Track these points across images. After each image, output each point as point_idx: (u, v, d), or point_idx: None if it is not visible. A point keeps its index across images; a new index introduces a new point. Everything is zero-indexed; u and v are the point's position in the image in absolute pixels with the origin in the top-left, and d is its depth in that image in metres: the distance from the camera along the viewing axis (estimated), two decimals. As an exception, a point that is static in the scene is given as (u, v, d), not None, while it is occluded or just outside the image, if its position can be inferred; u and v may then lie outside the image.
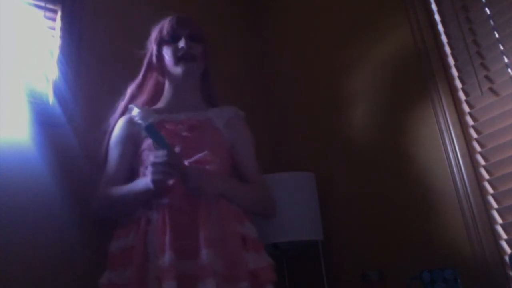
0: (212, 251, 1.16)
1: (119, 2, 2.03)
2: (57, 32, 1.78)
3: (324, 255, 1.81)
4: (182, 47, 1.44)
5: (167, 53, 1.48)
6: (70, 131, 1.65)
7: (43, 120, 1.62)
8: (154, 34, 1.54)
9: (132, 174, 1.40)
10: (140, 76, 1.56)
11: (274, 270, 1.31)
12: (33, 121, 1.59)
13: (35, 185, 1.52)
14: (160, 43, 1.51)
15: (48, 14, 1.80)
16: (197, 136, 1.37)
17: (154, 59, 1.52)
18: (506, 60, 1.46)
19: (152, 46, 1.54)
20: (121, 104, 1.53)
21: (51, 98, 1.67)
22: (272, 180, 1.79)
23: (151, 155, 1.26)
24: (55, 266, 1.48)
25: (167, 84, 1.54)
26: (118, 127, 1.46)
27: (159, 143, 1.23)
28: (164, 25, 1.50)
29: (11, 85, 1.61)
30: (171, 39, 1.47)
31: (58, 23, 1.80)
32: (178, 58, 1.45)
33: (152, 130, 1.23)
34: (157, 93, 1.56)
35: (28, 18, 1.76)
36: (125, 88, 1.62)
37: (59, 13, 1.81)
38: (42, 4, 1.79)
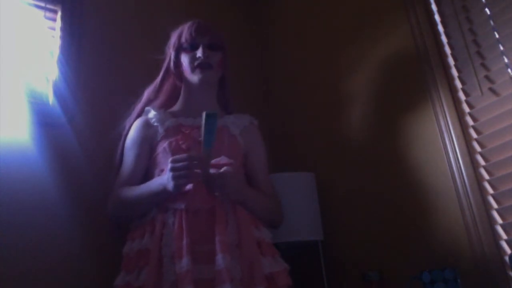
0: (228, 255, 1.16)
1: (119, 2, 2.03)
2: (57, 32, 1.79)
3: (324, 255, 1.81)
4: (200, 57, 1.44)
5: (184, 60, 1.48)
6: (70, 131, 1.65)
7: (43, 120, 1.62)
8: (172, 40, 1.54)
9: (147, 176, 1.40)
10: (158, 81, 1.56)
11: (289, 274, 1.33)
12: (33, 121, 1.59)
13: (35, 185, 1.52)
14: (178, 50, 1.51)
15: (48, 14, 1.81)
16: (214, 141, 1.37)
17: (172, 65, 1.52)
18: (506, 60, 1.46)
19: (170, 52, 1.54)
20: (138, 107, 1.54)
21: (51, 98, 1.67)
22: (272, 180, 1.79)
23: (168, 158, 1.25)
24: (55, 266, 1.48)
25: (183, 89, 1.54)
26: (134, 129, 1.46)
27: (206, 136, 1.19)
28: (183, 32, 1.50)
29: (11, 85, 1.61)
30: (189, 46, 1.47)
31: (58, 23, 1.80)
32: (195, 67, 1.45)
33: (212, 120, 1.18)
34: (173, 96, 1.57)
35: (28, 18, 1.76)
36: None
37: (59, 13, 1.81)
38: (42, 4, 1.79)
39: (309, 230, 1.77)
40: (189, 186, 1.25)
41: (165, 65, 1.56)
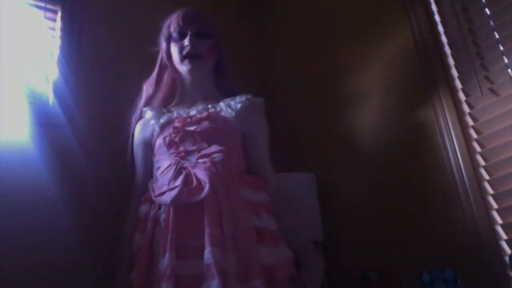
0: (218, 249, 1.11)
1: (119, 2, 2.03)
2: (57, 33, 1.78)
3: (324, 255, 1.81)
4: (187, 45, 1.42)
5: (174, 50, 1.46)
6: (70, 131, 1.65)
7: (43, 120, 1.62)
8: (163, 30, 1.52)
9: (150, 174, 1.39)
10: (155, 74, 1.53)
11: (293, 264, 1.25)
12: (33, 121, 1.59)
13: (35, 185, 1.52)
14: (169, 40, 1.49)
15: (48, 14, 1.80)
16: (206, 129, 1.33)
17: (164, 56, 1.50)
18: (506, 60, 1.46)
19: (162, 43, 1.52)
20: (140, 104, 1.52)
21: (51, 98, 1.67)
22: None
23: (163, 154, 1.29)
24: (54, 266, 1.48)
25: (178, 80, 1.52)
26: (137, 132, 1.47)
27: None
28: (171, 21, 1.48)
29: (11, 85, 1.61)
30: (178, 36, 1.45)
31: (58, 24, 1.80)
32: (183, 57, 1.43)
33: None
34: (174, 88, 1.55)
35: (28, 18, 1.76)
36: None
37: (59, 14, 1.81)
38: (42, 4, 1.79)
39: (309, 230, 1.77)
40: (179, 181, 1.21)
41: (159, 57, 1.53)
